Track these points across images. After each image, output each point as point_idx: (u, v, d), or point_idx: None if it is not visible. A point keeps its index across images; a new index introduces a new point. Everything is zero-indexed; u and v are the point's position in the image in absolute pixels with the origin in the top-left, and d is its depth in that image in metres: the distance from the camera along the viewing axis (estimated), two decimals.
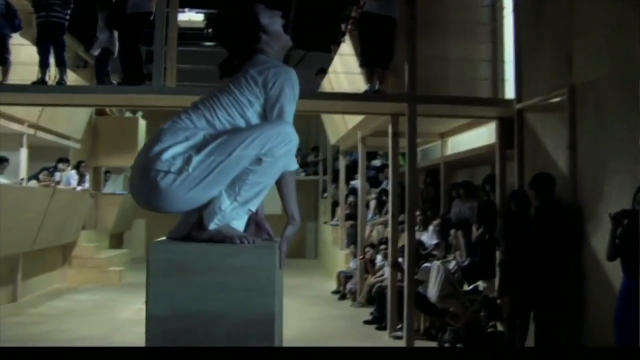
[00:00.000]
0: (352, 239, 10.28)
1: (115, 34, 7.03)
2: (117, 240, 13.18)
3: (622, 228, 4.08)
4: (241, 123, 2.17)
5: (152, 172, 2.07)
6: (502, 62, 6.95)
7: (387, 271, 7.69)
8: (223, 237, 2.11)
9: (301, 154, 15.51)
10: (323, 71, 10.04)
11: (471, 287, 6.88)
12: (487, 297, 6.45)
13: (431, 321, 7.06)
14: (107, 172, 12.76)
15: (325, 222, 13.50)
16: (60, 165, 9.53)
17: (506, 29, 6.86)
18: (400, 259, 6.95)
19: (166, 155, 2.08)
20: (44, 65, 6.74)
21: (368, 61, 6.70)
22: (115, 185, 13.45)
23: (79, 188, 9.81)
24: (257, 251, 2.10)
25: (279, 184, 2.20)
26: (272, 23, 2.34)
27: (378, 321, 7.52)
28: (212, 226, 2.11)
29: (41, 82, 6.67)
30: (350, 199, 11.03)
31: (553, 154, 5.66)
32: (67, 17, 6.87)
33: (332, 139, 11.47)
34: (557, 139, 5.56)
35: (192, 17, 11.86)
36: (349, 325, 7.64)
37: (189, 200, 2.10)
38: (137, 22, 6.55)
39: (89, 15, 7.49)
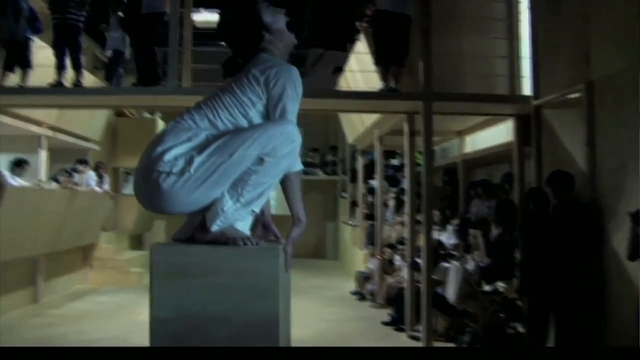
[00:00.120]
0: (370, 238, 10.23)
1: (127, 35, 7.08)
2: (137, 242, 13.24)
3: None
4: (244, 123, 2.15)
5: (154, 173, 2.06)
6: (519, 58, 6.86)
7: (404, 271, 7.62)
8: (226, 239, 2.09)
9: (320, 154, 15.50)
10: (339, 70, 10.00)
11: (491, 287, 6.78)
12: (507, 297, 6.35)
13: (450, 322, 6.97)
14: (126, 173, 12.83)
15: (344, 222, 13.45)
16: (79, 167, 9.59)
17: (522, 25, 6.76)
18: (418, 259, 6.88)
19: (168, 156, 2.06)
20: (60, 67, 6.80)
21: (382, 59, 6.65)
22: None
23: (98, 189, 9.86)
24: (260, 253, 2.07)
25: (284, 184, 2.18)
26: (276, 21, 2.31)
27: (396, 322, 7.45)
28: (214, 228, 2.09)
29: (58, 84, 6.72)
30: (369, 198, 10.97)
31: (571, 151, 5.57)
32: (83, 18, 6.92)
33: (350, 138, 11.43)
34: (575, 135, 5.47)
35: (208, 17, 11.87)
36: (366, 326, 7.57)
37: (192, 201, 2.08)
38: (151, 22, 6.57)
39: (105, 16, 7.55)
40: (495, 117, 7.28)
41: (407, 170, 7.44)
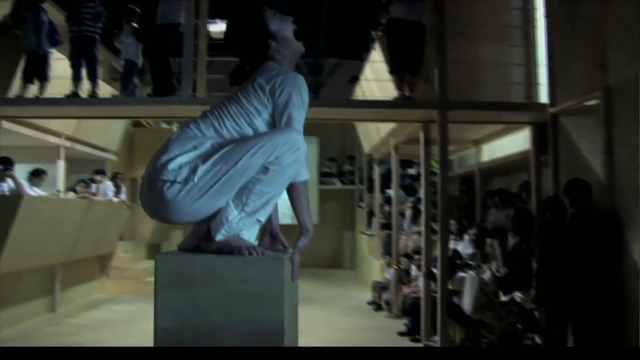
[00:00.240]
0: (387, 248, 10.16)
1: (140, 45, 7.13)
2: (154, 251, 13.26)
3: None
4: (249, 132, 2.13)
5: (159, 182, 2.05)
6: (535, 65, 6.79)
7: (420, 281, 7.55)
8: (231, 249, 2.07)
9: (337, 163, 15.47)
10: (355, 79, 9.99)
11: (508, 297, 6.69)
12: (524, 308, 6.26)
13: (466, 333, 6.88)
14: None
15: (361, 232, 13.39)
16: (97, 177, 9.66)
17: (539, 32, 6.70)
18: (434, 269, 6.81)
19: (173, 165, 2.05)
20: (76, 78, 6.86)
21: (397, 68, 6.62)
22: None
23: (115, 199, 9.93)
24: (266, 263, 2.05)
25: (290, 193, 2.15)
26: (282, 29, 2.29)
27: (412, 332, 7.38)
28: (219, 237, 2.07)
29: (73, 95, 6.79)
30: (386, 208, 10.92)
31: (589, 158, 5.48)
32: (99, 30, 6.99)
33: (366, 147, 11.40)
34: (593, 143, 5.39)
35: (223, 28, 11.95)
36: (381, 336, 7.50)
37: (196, 210, 2.07)
38: (166, 33, 6.61)
39: (121, 27, 7.62)
40: (512, 125, 7.21)
41: (422, 180, 7.38)
